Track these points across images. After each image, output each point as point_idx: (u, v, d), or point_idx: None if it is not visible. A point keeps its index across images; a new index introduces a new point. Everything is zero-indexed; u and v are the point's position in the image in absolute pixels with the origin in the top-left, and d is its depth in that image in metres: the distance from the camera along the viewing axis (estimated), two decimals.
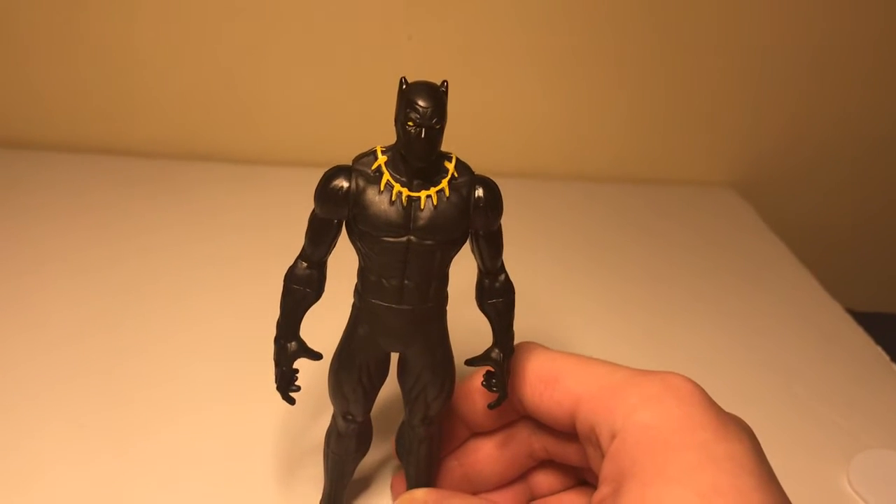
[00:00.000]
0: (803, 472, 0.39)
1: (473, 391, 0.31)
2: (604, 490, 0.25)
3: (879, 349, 0.51)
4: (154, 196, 0.62)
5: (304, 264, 0.29)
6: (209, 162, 0.68)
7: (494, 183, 0.28)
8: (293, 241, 0.29)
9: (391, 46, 0.66)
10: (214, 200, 0.62)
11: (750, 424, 0.26)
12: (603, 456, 0.26)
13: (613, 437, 0.26)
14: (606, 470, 0.25)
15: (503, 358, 0.29)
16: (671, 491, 0.23)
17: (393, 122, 0.27)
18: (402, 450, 0.32)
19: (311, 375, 0.31)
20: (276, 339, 0.29)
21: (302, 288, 0.29)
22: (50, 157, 0.66)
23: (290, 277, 0.29)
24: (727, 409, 0.26)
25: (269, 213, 0.60)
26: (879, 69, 0.71)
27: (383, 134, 0.29)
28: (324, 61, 0.67)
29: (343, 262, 0.30)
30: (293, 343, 0.29)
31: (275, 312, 0.29)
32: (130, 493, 0.34)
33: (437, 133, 0.26)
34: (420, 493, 0.30)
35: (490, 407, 0.30)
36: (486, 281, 0.29)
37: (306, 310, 0.29)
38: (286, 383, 0.29)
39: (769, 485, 0.23)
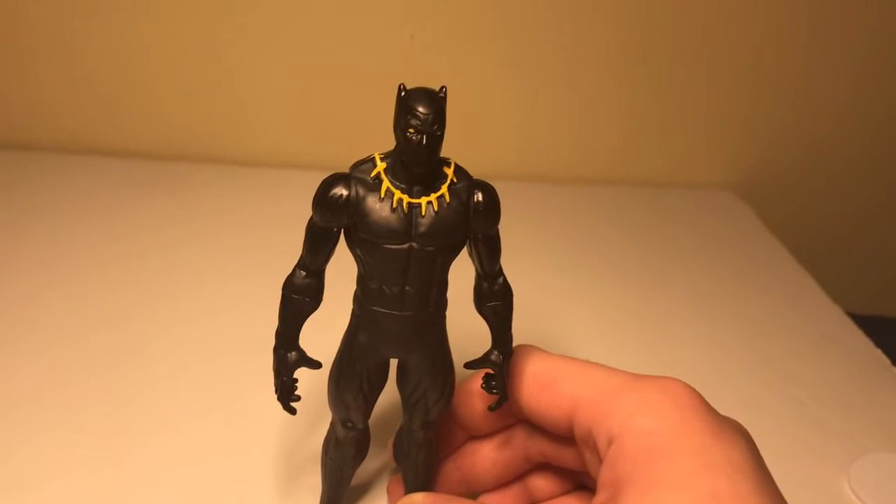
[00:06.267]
0: (804, 476, 0.39)
1: (472, 394, 0.31)
2: (602, 496, 0.25)
3: (880, 352, 0.50)
4: (154, 198, 0.62)
5: (303, 273, 0.28)
6: (210, 164, 0.69)
7: (493, 187, 0.28)
8: (294, 244, 0.29)
9: (392, 47, 0.66)
10: (215, 202, 0.63)
11: (750, 428, 0.26)
12: (600, 461, 0.26)
13: (611, 442, 0.26)
14: (604, 475, 0.25)
15: (502, 360, 0.29)
16: (669, 497, 0.23)
17: (392, 128, 0.27)
18: (400, 454, 0.32)
19: (310, 384, 0.31)
20: (276, 349, 0.29)
21: (301, 297, 0.28)
22: (51, 158, 0.67)
23: (289, 287, 0.29)
24: (727, 414, 0.26)
25: (270, 215, 0.60)
26: (878, 71, 0.71)
27: (384, 135, 0.29)
28: (324, 62, 0.67)
29: (341, 270, 0.30)
30: (293, 353, 0.29)
31: (275, 318, 0.29)
32: (129, 497, 0.34)
33: (437, 139, 0.26)
34: (419, 497, 0.30)
35: (490, 409, 0.30)
36: (485, 284, 0.29)
37: (305, 319, 0.29)
38: (287, 393, 0.29)
39: (767, 488, 0.23)
